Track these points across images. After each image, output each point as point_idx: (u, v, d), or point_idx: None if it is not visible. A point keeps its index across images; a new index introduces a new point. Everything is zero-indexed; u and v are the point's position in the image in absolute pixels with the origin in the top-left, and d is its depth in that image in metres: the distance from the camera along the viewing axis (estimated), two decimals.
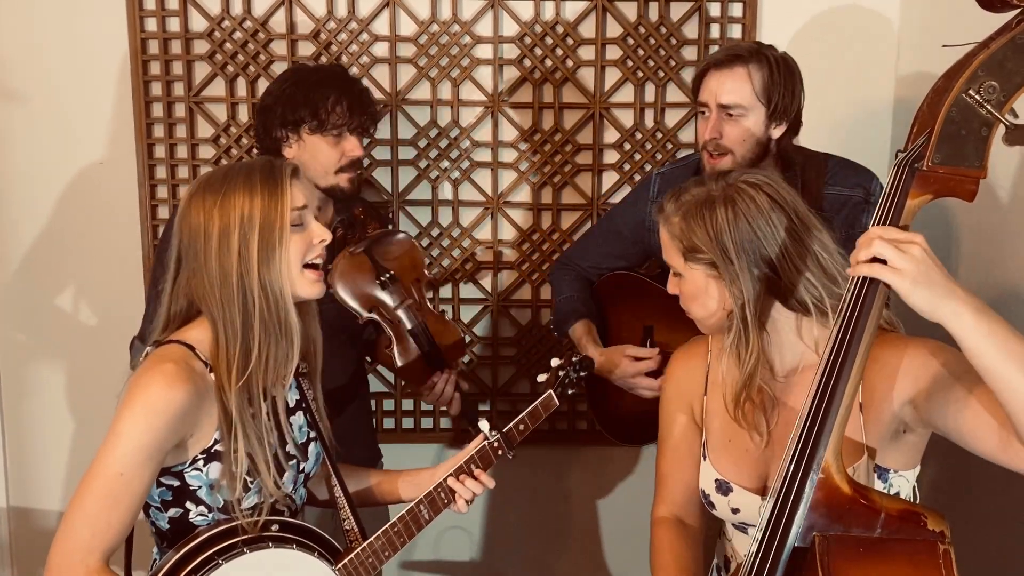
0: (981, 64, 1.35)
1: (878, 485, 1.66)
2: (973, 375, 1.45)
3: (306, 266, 1.76)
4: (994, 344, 1.34)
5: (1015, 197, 2.34)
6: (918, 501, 1.71)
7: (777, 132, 2.30)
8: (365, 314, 2.42)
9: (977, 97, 1.36)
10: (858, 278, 1.42)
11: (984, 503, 2.44)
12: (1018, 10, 1.35)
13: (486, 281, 3.13)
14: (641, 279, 2.55)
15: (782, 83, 2.25)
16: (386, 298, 2.43)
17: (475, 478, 1.95)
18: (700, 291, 1.73)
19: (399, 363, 2.44)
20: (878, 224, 1.42)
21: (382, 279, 2.41)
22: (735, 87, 2.25)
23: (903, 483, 1.69)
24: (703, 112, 2.33)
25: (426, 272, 2.54)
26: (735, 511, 1.78)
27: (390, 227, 2.71)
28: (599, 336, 2.55)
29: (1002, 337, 1.34)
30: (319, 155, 2.40)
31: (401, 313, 2.43)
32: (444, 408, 2.52)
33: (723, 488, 1.79)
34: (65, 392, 3.17)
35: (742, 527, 1.81)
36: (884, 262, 1.35)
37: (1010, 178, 2.34)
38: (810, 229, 1.69)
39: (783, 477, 1.45)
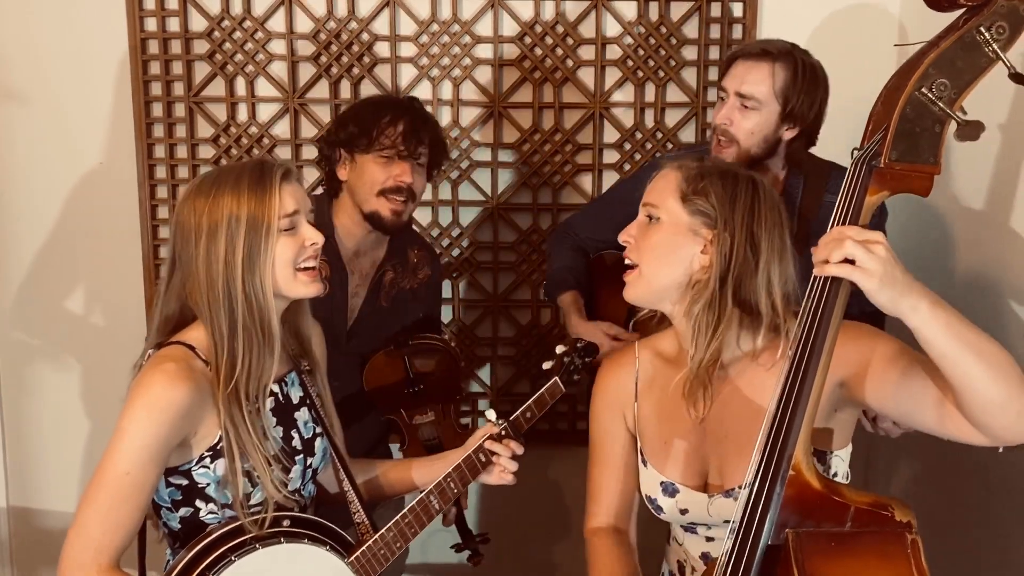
0: (932, 63, 1.39)
1: (819, 469, 1.66)
2: (907, 355, 1.53)
3: (299, 269, 1.76)
4: (949, 335, 1.39)
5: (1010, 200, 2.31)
6: (850, 480, 1.75)
7: (789, 135, 2.31)
8: (384, 415, 2.43)
9: (930, 95, 1.40)
10: (822, 276, 1.43)
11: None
12: (964, 9, 1.38)
13: (486, 281, 3.12)
14: None
15: (803, 88, 2.27)
16: (409, 408, 2.41)
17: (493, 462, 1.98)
18: (674, 242, 1.72)
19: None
20: (839, 222, 1.45)
21: (410, 390, 2.38)
22: (756, 79, 2.27)
23: (839, 463, 1.72)
24: (723, 97, 2.35)
25: (460, 391, 2.47)
26: (683, 512, 1.78)
27: (439, 339, 2.54)
28: (585, 310, 2.56)
29: (956, 328, 1.39)
30: (365, 175, 2.32)
31: (419, 427, 2.42)
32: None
33: (669, 490, 1.79)
34: (65, 391, 3.19)
35: (691, 527, 1.81)
36: (851, 262, 1.37)
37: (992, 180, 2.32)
38: (787, 244, 1.72)
39: (753, 476, 1.46)
